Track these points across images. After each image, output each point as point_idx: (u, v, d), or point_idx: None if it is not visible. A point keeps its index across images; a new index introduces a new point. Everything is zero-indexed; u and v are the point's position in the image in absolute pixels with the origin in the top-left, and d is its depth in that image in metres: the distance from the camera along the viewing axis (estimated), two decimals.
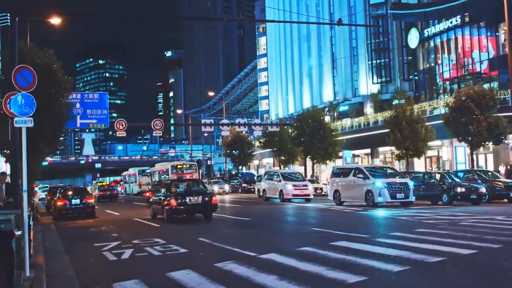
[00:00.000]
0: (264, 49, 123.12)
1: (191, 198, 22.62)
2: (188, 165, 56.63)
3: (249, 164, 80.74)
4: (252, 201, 39.64)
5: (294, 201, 35.44)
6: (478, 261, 10.67)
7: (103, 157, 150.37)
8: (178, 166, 55.33)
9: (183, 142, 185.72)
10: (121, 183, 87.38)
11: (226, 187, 58.36)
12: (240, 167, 76.66)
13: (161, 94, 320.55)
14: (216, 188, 54.19)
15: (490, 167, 43.48)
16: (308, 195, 36.05)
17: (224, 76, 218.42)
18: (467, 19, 55.19)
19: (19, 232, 7.44)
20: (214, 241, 15.12)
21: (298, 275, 9.50)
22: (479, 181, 29.39)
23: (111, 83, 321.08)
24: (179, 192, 23.56)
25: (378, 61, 78.50)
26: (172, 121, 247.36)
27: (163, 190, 24.96)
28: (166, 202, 22.98)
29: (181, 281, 9.58)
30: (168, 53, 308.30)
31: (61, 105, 24.30)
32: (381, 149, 57.80)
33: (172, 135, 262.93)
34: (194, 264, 11.19)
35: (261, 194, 41.28)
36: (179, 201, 22.51)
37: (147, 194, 40.89)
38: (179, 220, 23.14)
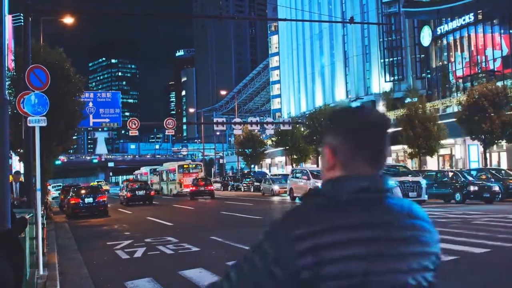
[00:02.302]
0: (276, 47, 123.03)
1: (138, 191, 40.62)
2: (194, 165, 57.87)
3: (261, 162, 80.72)
4: (264, 200, 39.64)
5: None
6: (491, 260, 10.66)
7: (115, 156, 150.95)
8: (185, 166, 56.27)
9: (196, 140, 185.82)
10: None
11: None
12: (252, 166, 76.69)
13: (173, 93, 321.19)
14: (276, 188, 46.34)
15: (504, 166, 43.23)
16: None
17: (236, 74, 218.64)
18: (480, 16, 54.88)
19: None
20: (226, 240, 15.18)
21: None
22: (492, 180, 29.24)
23: (124, 82, 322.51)
24: (133, 188, 40.99)
25: (391, 59, 78.16)
26: (184, 120, 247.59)
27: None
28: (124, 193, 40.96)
29: (193, 279, 9.68)
30: (180, 52, 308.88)
31: (74, 104, 24.46)
32: (393, 147, 57.59)
33: (185, 134, 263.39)
34: (206, 263, 11.27)
35: (287, 193, 39.59)
36: (132, 193, 40.31)
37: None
38: (191, 219, 23.25)
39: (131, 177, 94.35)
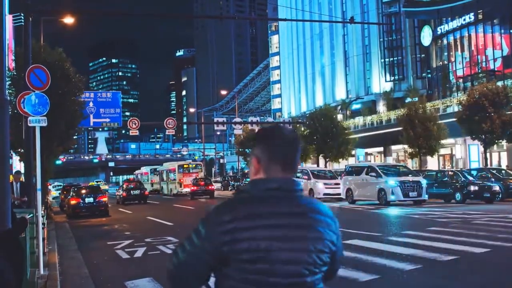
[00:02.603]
0: (276, 47, 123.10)
1: (133, 191, 41.36)
2: (194, 165, 58.61)
3: None
4: None
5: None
6: (491, 260, 10.66)
7: (116, 156, 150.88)
8: (185, 166, 56.75)
9: (196, 140, 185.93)
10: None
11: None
12: None
13: (174, 92, 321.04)
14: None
15: (504, 165, 43.27)
16: (340, 194, 32.19)
17: (237, 74, 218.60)
18: (480, 16, 54.87)
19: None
20: None
21: None
22: (493, 180, 29.23)
23: (124, 82, 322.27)
24: (128, 188, 42.00)
25: (391, 59, 78.18)
26: (184, 120, 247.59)
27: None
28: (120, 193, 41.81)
29: None
30: (181, 52, 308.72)
31: (74, 104, 24.47)
32: (393, 147, 57.68)
33: (185, 134, 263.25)
34: None
35: None
36: (127, 193, 41.39)
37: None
38: (192, 219, 23.23)
39: (131, 177, 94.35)
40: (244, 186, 2.37)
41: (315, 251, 2.26)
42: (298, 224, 2.25)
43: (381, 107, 74.80)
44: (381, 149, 61.03)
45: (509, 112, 37.23)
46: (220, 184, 68.10)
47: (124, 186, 44.43)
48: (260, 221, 2.20)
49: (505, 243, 12.56)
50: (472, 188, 27.11)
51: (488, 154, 39.60)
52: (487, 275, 9.42)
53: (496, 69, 53.63)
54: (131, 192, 42.05)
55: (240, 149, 72.41)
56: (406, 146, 45.41)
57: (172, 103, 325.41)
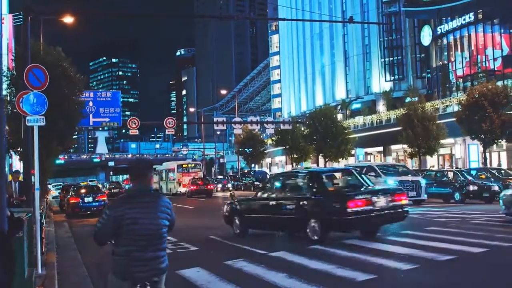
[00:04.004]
0: (276, 47, 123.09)
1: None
2: (193, 165, 58.86)
3: (261, 162, 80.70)
4: None
5: None
6: (488, 259, 10.65)
7: (116, 155, 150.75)
8: (184, 166, 56.97)
9: (196, 140, 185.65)
10: None
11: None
12: (252, 165, 76.68)
13: (174, 92, 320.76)
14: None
15: (504, 165, 43.27)
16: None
17: (237, 74, 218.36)
18: (480, 16, 54.88)
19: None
20: (225, 239, 15.19)
21: (308, 273, 9.55)
22: (492, 179, 29.23)
23: (124, 82, 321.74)
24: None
25: (391, 58, 78.24)
26: (185, 119, 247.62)
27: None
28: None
29: (191, 278, 9.69)
30: (181, 51, 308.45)
31: (73, 103, 24.44)
32: (393, 147, 57.66)
33: (185, 133, 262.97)
34: (205, 262, 11.27)
35: None
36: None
37: None
38: (191, 218, 23.23)
39: None
40: (127, 190, 4.38)
41: (160, 218, 4.77)
42: (151, 205, 4.77)
43: (381, 106, 74.82)
44: (380, 148, 61.02)
45: (508, 112, 37.24)
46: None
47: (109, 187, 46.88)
48: (134, 205, 4.68)
49: (503, 243, 12.53)
50: (471, 188, 27.07)
51: (487, 154, 39.59)
52: (485, 275, 9.41)
53: (496, 69, 53.64)
54: (111, 190, 44.32)
55: (240, 149, 72.38)
56: (405, 146, 45.43)
57: (172, 103, 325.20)
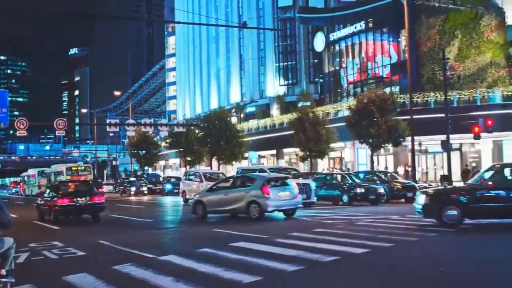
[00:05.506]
0: (173, 48, 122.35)
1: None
2: (83, 167, 57.74)
3: (155, 164, 79.75)
4: (156, 203, 39.07)
5: None
6: (369, 259, 10.92)
7: (3, 157, 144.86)
8: (73, 168, 55.51)
9: (88, 142, 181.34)
10: (21, 184, 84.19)
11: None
12: (146, 168, 75.57)
13: (67, 92, 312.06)
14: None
15: (390, 168, 44.80)
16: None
17: (132, 75, 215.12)
18: (371, 24, 56.57)
19: None
20: (114, 243, 14.80)
21: (196, 277, 9.53)
22: (378, 182, 30.19)
23: (13, 80, 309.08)
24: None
25: (285, 63, 79.50)
26: (77, 121, 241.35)
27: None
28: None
29: (77, 284, 9.40)
30: (74, 50, 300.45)
31: None
32: (286, 150, 58.42)
33: (77, 135, 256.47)
34: (92, 267, 10.99)
35: (180, 195, 37.85)
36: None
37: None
38: (80, 223, 22.57)
39: (18, 179, 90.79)
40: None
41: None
42: None
43: (275, 110, 75.77)
44: (274, 152, 61.70)
45: (395, 118, 38.57)
46: (113, 187, 66.15)
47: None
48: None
49: (384, 243, 12.90)
50: (359, 190, 27.84)
51: (375, 158, 40.83)
52: (366, 274, 9.60)
53: (385, 76, 55.39)
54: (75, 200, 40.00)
55: (134, 151, 71.17)
56: (297, 149, 46.16)
57: (64, 103, 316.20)
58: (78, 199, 22.64)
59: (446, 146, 34.60)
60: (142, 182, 55.75)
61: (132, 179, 58.81)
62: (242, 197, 20.92)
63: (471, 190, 15.97)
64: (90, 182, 33.31)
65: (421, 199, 16.50)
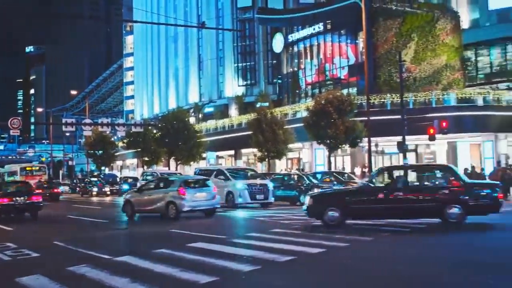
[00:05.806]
0: (131, 48, 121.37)
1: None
2: (37, 168, 57.14)
3: (112, 165, 78.92)
4: (113, 203, 38.72)
5: None
6: (324, 259, 11.10)
7: None
8: (27, 168, 54.94)
9: (44, 141, 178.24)
10: None
11: None
12: (103, 168, 74.72)
13: (22, 91, 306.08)
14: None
15: (347, 169, 45.18)
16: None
17: (90, 74, 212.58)
18: (329, 26, 56.90)
19: None
20: (69, 244, 14.67)
21: (152, 277, 9.52)
22: (335, 182, 30.46)
23: None
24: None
25: (244, 64, 79.54)
26: (32, 120, 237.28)
27: None
28: None
29: (30, 286, 9.28)
30: (30, 49, 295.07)
31: None
32: (244, 150, 58.38)
33: (33, 134, 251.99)
34: (46, 269, 10.84)
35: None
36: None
37: None
38: (35, 223, 22.29)
39: None
40: None
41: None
42: None
43: (233, 111, 75.71)
44: (232, 152, 61.58)
45: (352, 119, 38.89)
46: (69, 187, 65.11)
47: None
48: None
49: (339, 243, 13.10)
50: (316, 190, 27.97)
51: (332, 158, 41.10)
52: (321, 274, 9.71)
53: (342, 77, 55.80)
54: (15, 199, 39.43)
55: (90, 151, 70.32)
56: (255, 150, 46.21)
57: (19, 102, 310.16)
58: (17, 198, 24.32)
59: (402, 147, 35.06)
60: (103, 182, 55.06)
61: (94, 179, 57.86)
62: (163, 198, 22.26)
63: (352, 192, 16.75)
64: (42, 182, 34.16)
65: (306, 200, 17.46)
